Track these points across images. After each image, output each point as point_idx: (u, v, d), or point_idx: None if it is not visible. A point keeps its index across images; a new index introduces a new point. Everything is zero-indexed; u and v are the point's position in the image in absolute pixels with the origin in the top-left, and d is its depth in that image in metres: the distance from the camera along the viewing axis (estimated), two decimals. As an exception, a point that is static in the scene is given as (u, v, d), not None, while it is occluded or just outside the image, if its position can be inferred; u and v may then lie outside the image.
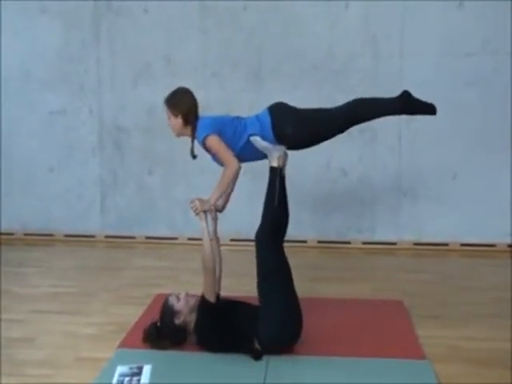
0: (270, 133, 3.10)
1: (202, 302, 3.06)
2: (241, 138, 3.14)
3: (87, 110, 5.39)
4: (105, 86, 5.36)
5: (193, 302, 3.16)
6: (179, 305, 3.13)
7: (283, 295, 3.05)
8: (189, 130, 3.20)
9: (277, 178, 3.09)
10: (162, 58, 5.22)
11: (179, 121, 3.17)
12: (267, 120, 3.11)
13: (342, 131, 3.19)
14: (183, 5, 5.12)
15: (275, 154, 3.10)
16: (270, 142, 3.11)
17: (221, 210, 3.43)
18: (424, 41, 4.92)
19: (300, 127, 3.10)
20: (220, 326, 3.03)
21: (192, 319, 3.11)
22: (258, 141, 3.10)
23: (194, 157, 3.19)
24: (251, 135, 3.11)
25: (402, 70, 4.97)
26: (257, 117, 3.17)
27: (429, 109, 3.15)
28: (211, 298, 3.04)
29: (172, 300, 3.16)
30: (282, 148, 3.12)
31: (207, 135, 3.11)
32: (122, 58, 5.30)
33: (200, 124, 3.16)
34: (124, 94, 5.33)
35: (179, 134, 3.25)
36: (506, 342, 3.27)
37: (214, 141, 3.11)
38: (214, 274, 3.03)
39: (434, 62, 4.91)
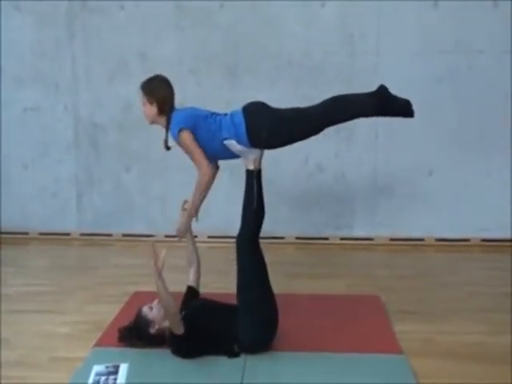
0: (244, 136, 3.06)
1: (172, 335, 3.01)
2: (214, 137, 3.10)
3: (62, 107, 5.33)
4: (80, 84, 5.30)
5: None
6: (152, 314, 3.11)
7: (262, 299, 3.05)
8: (163, 119, 3.16)
9: (254, 180, 3.08)
10: (137, 55, 5.18)
11: (154, 109, 3.13)
12: (242, 124, 3.06)
13: (317, 132, 3.14)
14: (159, 2, 5.08)
15: (251, 157, 3.08)
16: (245, 144, 3.07)
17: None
18: (399, 39, 4.95)
19: (274, 130, 3.05)
20: (196, 346, 3.00)
21: (167, 325, 3.09)
22: (233, 144, 3.07)
23: (168, 148, 3.14)
24: (226, 139, 3.07)
25: (378, 68, 5.00)
26: (232, 119, 3.10)
27: (406, 110, 3.07)
28: (179, 331, 2.96)
29: (145, 310, 3.14)
30: (258, 151, 3.09)
31: (181, 130, 3.07)
32: (97, 55, 5.24)
33: (174, 117, 3.12)
34: (100, 91, 5.28)
35: (152, 122, 3.21)
36: (481, 335, 3.32)
37: (187, 139, 3.07)
38: (176, 314, 2.96)
39: (409, 59, 4.95)
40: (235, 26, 5.06)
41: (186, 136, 3.07)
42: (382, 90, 3.07)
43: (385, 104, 3.04)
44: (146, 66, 5.08)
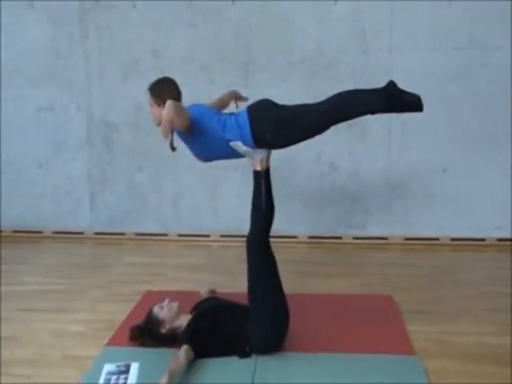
0: (249, 138, 3.01)
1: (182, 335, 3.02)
2: (218, 137, 3.04)
3: (75, 107, 5.35)
4: (93, 82, 5.31)
5: (176, 307, 3.14)
6: (163, 313, 3.11)
7: (273, 299, 3.03)
8: None
9: (262, 181, 3.05)
10: (150, 53, 5.18)
11: (161, 110, 3.07)
12: (246, 126, 3.01)
13: (324, 131, 3.08)
14: (171, 0, 5.08)
15: (257, 158, 3.05)
16: (251, 145, 3.03)
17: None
18: (413, 35, 4.89)
19: (279, 131, 3.00)
20: (206, 347, 2.98)
21: (178, 324, 3.09)
22: (238, 146, 3.04)
23: (174, 149, 3.11)
24: (231, 140, 3.03)
25: (391, 65, 4.95)
26: (236, 120, 3.05)
27: (415, 105, 2.99)
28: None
29: (156, 310, 3.14)
30: (265, 151, 3.06)
31: None
32: (110, 53, 5.25)
33: None
34: (112, 90, 5.29)
35: (159, 124, 3.19)
36: (495, 336, 3.27)
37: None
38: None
39: (423, 56, 4.90)
40: (247, 22, 5.04)
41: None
42: (391, 85, 3.00)
43: (393, 99, 2.96)
44: (159, 64, 5.08)
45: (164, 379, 2.65)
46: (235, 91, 3.58)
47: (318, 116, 3.02)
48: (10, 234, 5.51)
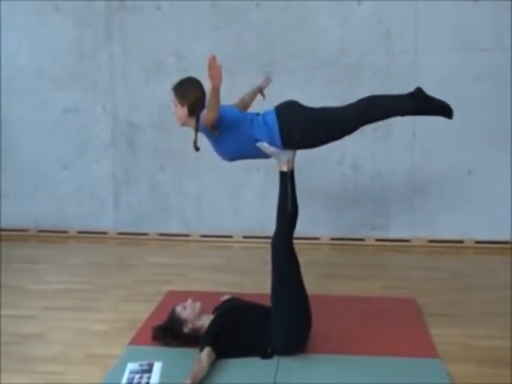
0: (278, 138, 3.01)
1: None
2: (245, 137, 3.04)
3: (100, 108, 5.41)
4: (117, 84, 5.37)
5: (198, 307, 3.15)
6: (186, 313, 3.13)
7: (296, 300, 3.02)
8: (193, 120, 3.10)
9: (288, 182, 3.04)
10: (173, 54, 5.21)
11: (185, 110, 3.10)
12: (275, 126, 3.01)
13: (351, 132, 3.08)
14: (195, 2, 5.11)
15: (284, 159, 3.04)
16: (278, 146, 3.03)
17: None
18: (437, 36, 4.86)
19: (308, 131, 3.01)
20: (229, 347, 2.99)
21: (201, 324, 3.10)
22: (265, 147, 3.03)
23: (197, 149, 3.11)
24: (258, 141, 3.03)
25: (416, 66, 4.92)
26: (264, 120, 3.05)
27: (444, 110, 3.02)
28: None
29: (179, 309, 3.16)
30: (291, 152, 3.05)
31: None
32: (134, 55, 5.30)
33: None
34: (136, 91, 5.34)
35: (183, 124, 3.19)
36: (519, 340, 3.23)
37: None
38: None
39: (448, 57, 4.86)
40: (270, 24, 5.05)
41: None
42: (418, 91, 3.01)
43: (421, 104, 2.99)
44: (182, 66, 5.12)
45: (187, 382, 2.67)
46: (260, 85, 3.55)
47: (346, 117, 3.03)
48: (36, 234, 5.59)
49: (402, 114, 3.08)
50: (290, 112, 3.06)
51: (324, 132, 3.04)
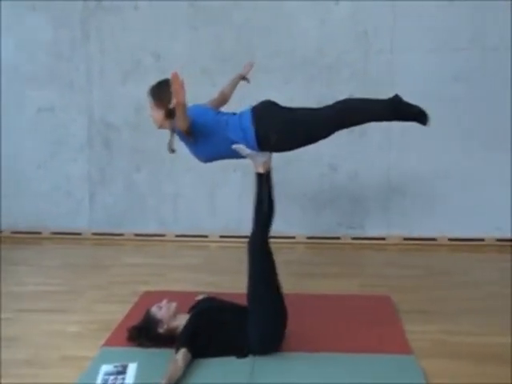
0: (253, 141, 3.00)
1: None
2: (220, 137, 3.04)
3: (76, 107, 5.36)
4: (94, 83, 5.32)
5: (174, 307, 3.14)
6: (161, 313, 3.11)
7: (272, 300, 3.03)
8: (169, 122, 3.10)
9: (264, 184, 3.05)
10: (151, 54, 5.18)
11: (161, 113, 3.09)
12: (250, 128, 3.00)
13: (327, 136, 3.07)
14: (173, 2, 5.09)
15: (260, 161, 3.05)
16: (254, 148, 3.03)
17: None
18: (414, 36, 4.90)
19: (284, 134, 3.00)
20: (204, 347, 2.99)
21: (176, 324, 3.09)
22: (242, 149, 3.03)
23: (173, 151, 3.11)
24: (234, 143, 3.03)
25: (393, 66, 4.96)
26: (240, 122, 3.04)
27: (420, 117, 3.03)
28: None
29: (154, 310, 3.14)
30: (267, 154, 3.06)
31: None
32: (111, 55, 5.26)
33: None
34: (113, 91, 5.30)
35: (161, 127, 3.18)
36: (492, 336, 3.27)
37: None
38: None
39: (424, 57, 4.90)
40: (248, 24, 5.05)
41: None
42: (396, 98, 3.02)
43: (399, 110, 3.00)
44: (160, 66, 5.09)
45: (162, 383, 2.66)
46: (241, 73, 3.58)
47: (323, 121, 3.03)
48: (9, 235, 5.52)
49: (379, 120, 3.10)
50: (266, 114, 3.04)
51: (300, 136, 3.04)
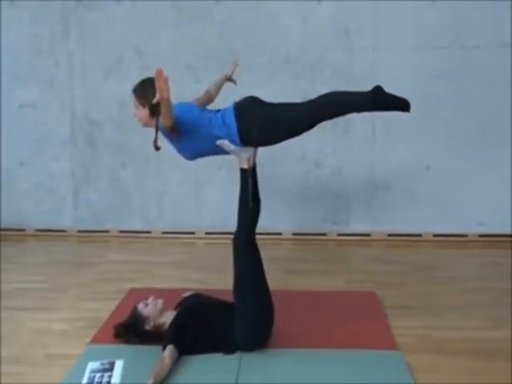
0: (236, 136, 3.01)
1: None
2: (204, 134, 3.04)
3: (58, 104, 5.31)
4: (76, 80, 5.28)
5: (160, 304, 3.14)
6: (147, 310, 3.10)
7: (258, 296, 3.03)
8: (154, 121, 3.08)
9: (248, 179, 3.05)
10: (133, 51, 5.15)
11: (146, 111, 3.09)
12: (233, 123, 3.01)
13: (310, 129, 3.08)
14: (155, 2, 5.06)
15: (244, 156, 3.05)
16: (237, 144, 3.03)
17: None
18: (396, 34, 4.93)
19: (266, 129, 3.01)
20: (191, 344, 2.99)
21: (163, 321, 3.09)
22: (226, 144, 3.03)
23: (158, 148, 3.11)
24: (218, 138, 3.03)
25: (375, 63, 4.98)
26: (223, 119, 3.05)
27: (401, 105, 3.03)
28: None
29: (140, 307, 3.13)
30: (251, 149, 3.06)
31: None
32: (93, 51, 5.22)
33: None
34: (96, 88, 5.26)
35: (145, 125, 3.18)
36: (478, 331, 3.31)
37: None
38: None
39: (406, 55, 4.93)
40: (231, 21, 5.04)
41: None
42: (377, 89, 3.03)
43: (380, 100, 3.00)
44: (143, 63, 5.06)
45: (150, 381, 2.65)
46: (226, 74, 3.56)
47: (304, 114, 3.04)
48: (-8, 233, 5.47)
49: (360, 110, 3.10)
50: (248, 109, 3.05)
51: (282, 130, 3.05)
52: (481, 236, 5.02)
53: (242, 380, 2.80)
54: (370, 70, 4.93)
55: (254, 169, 3.10)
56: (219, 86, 3.55)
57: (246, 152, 3.05)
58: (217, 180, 5.21)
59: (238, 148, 3.04)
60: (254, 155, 3.10)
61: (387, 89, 3.09)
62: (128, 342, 3.11)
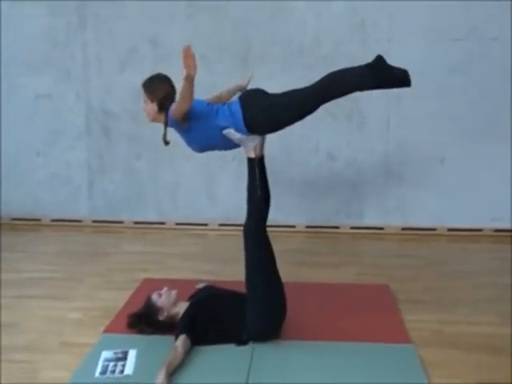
0: (241, 123, 3.03)
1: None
2: (212, 127, 3.06)
3: (74, 95, 5.34)
4: (91, 71, 5.30)
5: (174, 295, 3.16)
6: (161, 300, 3.13)
7: (270, 288, 3.05)
8: (162, 116, 3.13)
9: (255, 168, 3.06)
10: (148, 41, 5.16)
11: (154, 106, 3.12)
12: (238, 111, 3.04)
13: (313, 111, 3.07)
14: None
15: (251, 145, 3.06)
16: (243, 132, 3.05)
17: None
18: (412, 26, 4.88)
19: (271, 114, 3.03)
20: (204, 335, 3.01)
21: (176, 311, 3.11)
22: (231, 133, 3.05)
23: (167, 143, 3.13)
24: (224, 128, 3.05)
25: (390, 55, 4.85)
26: (229, 109, 3.08)
27: (402, 78, 3.02)
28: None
29: (154, 297, 3.16)
30: (257, 137, 3.07)
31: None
32: (108, 42, 5.23)
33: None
34: (111, 79, 5.27)
35: (153, 120, 3.20)
36: (490, 326, 3.30)
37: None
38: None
39: (422, 47, 4.89)
40: (246, 13, 5.02)
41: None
42: (378, 60, 3.01)
43: (382, 75, 2.99)
44: (157, 54, 5.07)
45: (162, 370, 2.68)
46: (241, 84, 3.51)
47: (307, 96, 3.04)
48: (9, 222, 5.52)
49: (362, 88, 3.06)
50: (253, 98, 3.08)
51: (286, 113, 3.05)
52: (496, 231, 4.98)
53: (255, 372, 2.82)
54: (384, 62, 4.88)
55: (261, 158, 3.10)
56: (231, 94, 3.54)
57: (253, 141, 3.06)
58: (230, 171, 5.22)
59: (244, 137, 3.05)
60: (262, 145, 3.10)
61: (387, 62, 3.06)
62: (141, 331, 3.14)
